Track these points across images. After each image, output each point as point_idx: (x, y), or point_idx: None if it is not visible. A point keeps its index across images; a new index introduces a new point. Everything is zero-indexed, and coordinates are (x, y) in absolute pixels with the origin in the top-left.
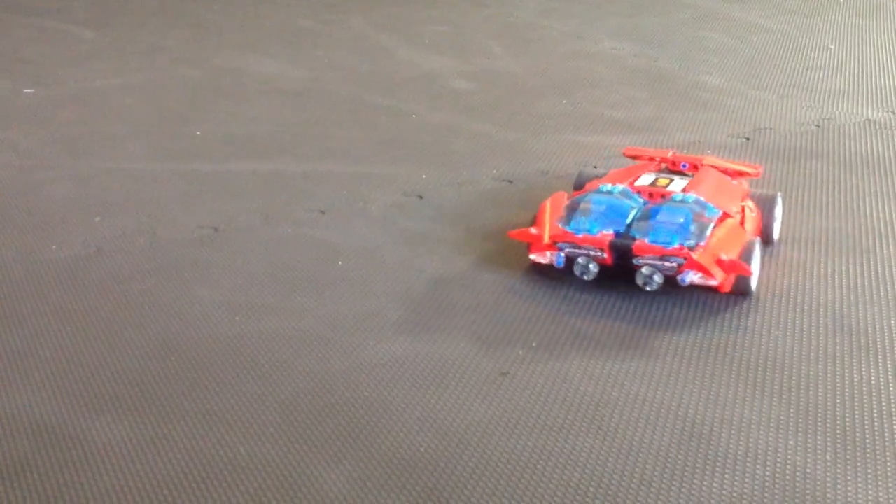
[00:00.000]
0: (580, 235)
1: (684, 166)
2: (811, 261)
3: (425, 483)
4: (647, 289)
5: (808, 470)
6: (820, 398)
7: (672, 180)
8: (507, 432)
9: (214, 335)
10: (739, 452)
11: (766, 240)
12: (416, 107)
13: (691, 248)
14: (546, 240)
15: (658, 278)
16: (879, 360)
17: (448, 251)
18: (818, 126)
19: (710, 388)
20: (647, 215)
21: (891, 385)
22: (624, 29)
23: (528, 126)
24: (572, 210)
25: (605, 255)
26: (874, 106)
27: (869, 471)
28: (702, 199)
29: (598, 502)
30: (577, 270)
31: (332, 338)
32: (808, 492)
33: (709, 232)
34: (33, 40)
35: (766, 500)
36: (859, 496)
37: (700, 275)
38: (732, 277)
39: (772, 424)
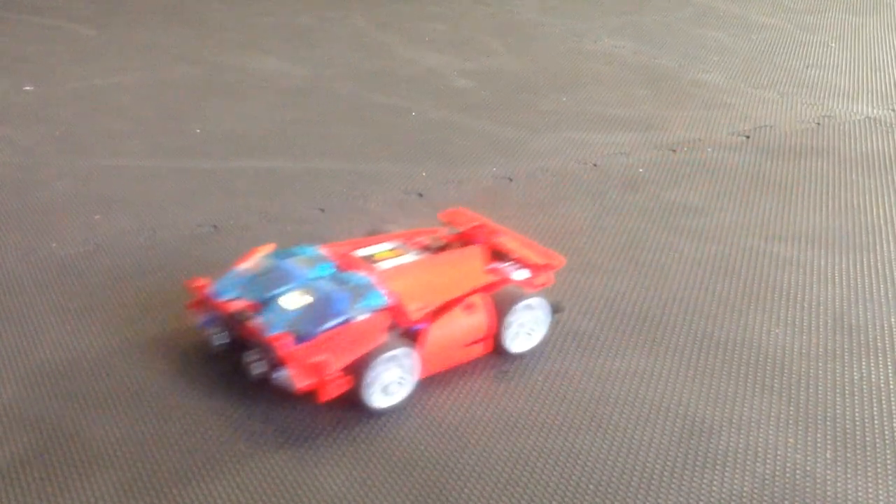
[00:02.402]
0: (213, 299)
1: (477, 243)
2: (811, 258)
3: (425, 481)
4: (251, 375)
5: (807, 468)
6: (820, 396)
7: (403, 254)
8: (506, 430)
9: None
10: (739, 450)
11: (497, 348)
12: (417, 104)
13: (299, 338)
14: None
15: (257, 368)
16: (880, 358)
17: None
18: (818, 124)
19: (709, 386)
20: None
21: (891, 383)
22: (624, 27)
23: (528, 124)
24: (233, 268)
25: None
26: (875, 103)
27: (869, 468)
28: (371, 281)
29: (597, 500)
30: (208, 335)
31: None
32: (807, 489)
33: (336, 324)
34: (33, 38)
35: (765, 498)
36: (859, 494)
37: (288, 375)
38: (338, 386)
39: (772, 422)
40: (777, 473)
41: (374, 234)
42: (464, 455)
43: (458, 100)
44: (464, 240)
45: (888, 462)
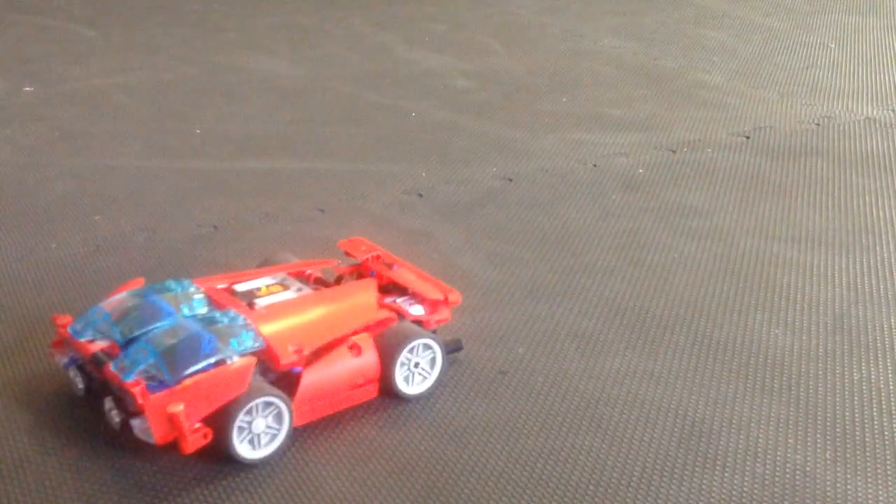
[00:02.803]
0: (73, 339)
1: (372, 273)
2: (811, 259)
3: (424, 482)
4: (113, 423)
5: (807, 468)
6: (819, 396)
7: (285, 289)
8: (506, 431)
9: None
10: (739, 451)
11: (388, 391)
12: (416, 105)
13: (157, 386)
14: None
15: (116, 416)
16: (879, 359)
17: (448, 250)
18: (818, 124)
19: (709, 387)
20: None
21: (890, 383)
22: (624, 27)
23: (527, 124)
24: (101, 304)
25: (94, 371)
26: (874, 104)
27: (868, 469)
28: (244, 320)
29: (597, 501)
30: (70, 379)
31: None
32: (807, 490)
33: (200, 368)
34: (33, 38)
35: (765, 499)
36: (859, 494)
37: (147, 425)
38: (203, 436)
39: (771, 423)
40: (776, 474)
41: (266, 264)
42: (463, 455)
43: (458, 100)
44: (359, 271)
45: (888, 462)
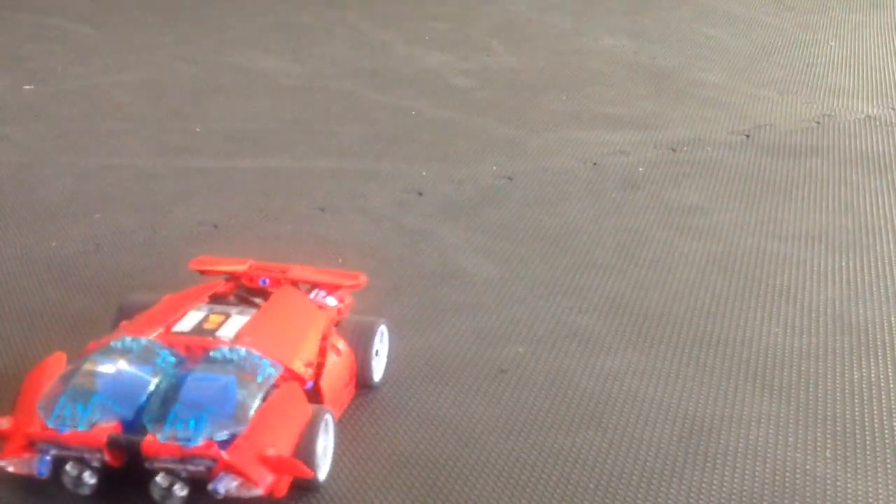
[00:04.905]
0: (65, 432)
1: (264, 282)
2: (811, 257)
3: (425, 480)
4: (173, 500)
5: (807, 467)
6: (820, 395)
7: (229, 316)
8: (506, 429)
9: None
10: (739, 449)
11: (363, 383)
12: (416, 103)
13: (225, 441)
14: (22, 439)
15: (181, 490)
16: (879, 357)
17: (448, 248)
18: (818, 123)
19: (709, 385)
20: (172, 389)
21: (891, 382)
22: (624, 25)
23: (527, 122)
24: (62, 388)
25: (108, 458)
26: (874, 102)
27: (868, 467)
28: (254, 350)
29: (597, 499)
30: (66, 481)
31: None
32: (807, 488)
33: (255, 408)
34: (33, 37)
35: (765, 497)
36: (859, 493)
37: (240, 481)
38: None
39: (771, 421)
40: (777, 472)
41: (121, 309)
42: (464, 454)
43: (458, 99)
44: (244, 285)
45: (888, 461)
